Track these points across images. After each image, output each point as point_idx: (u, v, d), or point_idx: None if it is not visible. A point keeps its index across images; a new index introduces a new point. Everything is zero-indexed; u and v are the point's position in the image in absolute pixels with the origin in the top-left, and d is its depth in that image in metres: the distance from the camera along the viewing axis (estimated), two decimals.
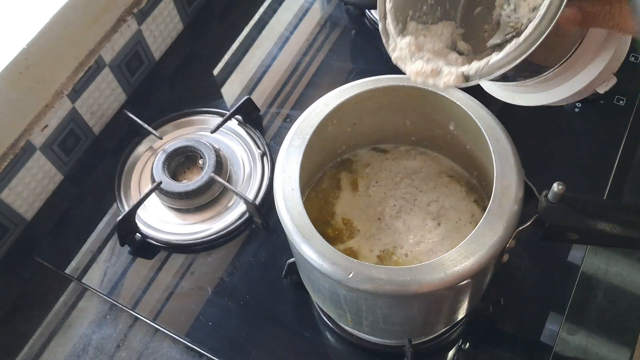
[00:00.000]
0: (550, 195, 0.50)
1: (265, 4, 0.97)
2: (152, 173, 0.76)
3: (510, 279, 0.68)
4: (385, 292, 0.49)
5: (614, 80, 0.51)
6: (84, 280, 0.74)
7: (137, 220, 0.75)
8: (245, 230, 0.75)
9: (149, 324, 0.70)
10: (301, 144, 0.56)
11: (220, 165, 0.77)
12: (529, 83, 0.51)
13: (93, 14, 0.78)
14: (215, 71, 0.91)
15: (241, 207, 0.76)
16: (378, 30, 0.49)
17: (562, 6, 0.39)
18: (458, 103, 0.56)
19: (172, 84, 0.91)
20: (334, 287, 0.52)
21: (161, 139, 0.82)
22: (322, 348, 0.68)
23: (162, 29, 0.90)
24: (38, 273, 0.75)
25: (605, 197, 0.71)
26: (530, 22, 0.40)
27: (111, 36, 0.81)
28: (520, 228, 0.51)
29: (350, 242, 0.61)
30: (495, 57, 0.42)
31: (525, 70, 0.49)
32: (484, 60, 0.43)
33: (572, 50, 0.48)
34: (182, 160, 0.80)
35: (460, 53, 0.51)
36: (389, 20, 0.49)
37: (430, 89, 0.56)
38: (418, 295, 0.49)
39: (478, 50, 0.52)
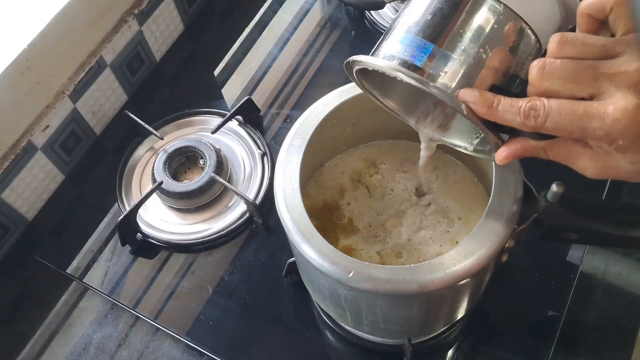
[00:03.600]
0: (549, 195, 0.50)
1: (266, 5, 0.97)
2: (153, 173, 0.77)
3: (509, 278, 0.68)
4: (385, 292, 0.49)
5: None
6: (85, 280, 0.74)
7: (138, 220, 0.76)
8: (246, 230, 0.76)
9: (150, 323, 0.70)
10: (301, 144, 0.57)
11: (221, 166, 0.77)
12: None
13: (94, 15, 0.78)
14: (216, 72, 0.91)
15: (241, 207, 0.77)
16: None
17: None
18: None
19: (173, 84, 0.91)
20: (334, 287, 0.52)
21: (162, 139, 0.82)
22: (322, 347, 0.69)
23: (163, 30, 0.90)
24: (39, 273, 0.75)
25: (604, 197, 0.72)
26: None
27: (112, 37, 0.81)
28: (520, 228, 0.52)
29: (351, 240, 0.61)
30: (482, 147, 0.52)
31: None
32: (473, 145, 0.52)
33: None
34: (182, 161, 0.80)
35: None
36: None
37: None
38: (418, 294, 0.49)
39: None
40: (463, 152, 0.53)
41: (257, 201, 0.76)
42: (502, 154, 0.45)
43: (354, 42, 0.91)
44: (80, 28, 0.77)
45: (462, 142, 0.53)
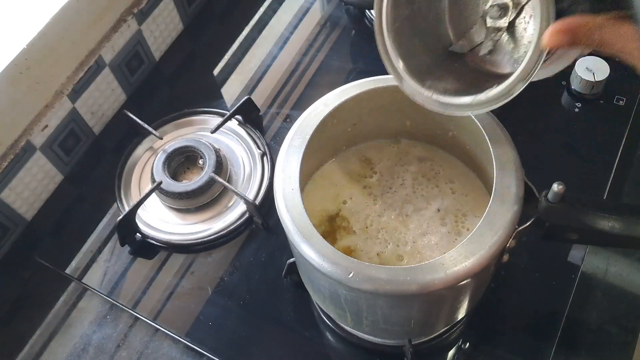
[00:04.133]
0: (550, 195, 0.50)
1: (265, 4, 0.97)
2: (152, 173, 0.77)
3: (510, 279, 0.68)
4: (385, 292, 0.49)
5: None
6: (84, 280, 0.74)
7: (137, 220, 0.75)
8: (245, 230, 0.75)
9: (149, 323, 0.70)
10: (301, 144, 0.56)
11: (221, 165, 0.77)
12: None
13: (93, 14, 0.78)
14: (216, 71, 0.91)
15: (241, 207, 0.76)
16: None
17: (545, 53, 0.44)
18: None
19: (172, 84, 0.91)
20: (334, 287, 0.52)
21: (161, 139, 0.82)
22: (322, 348, 0.68)
23: (163, 29, 0.90)
24: (38, 273, 0.75)
25: (605, 197, 0.72)
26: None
27: (111, 36, 0.81)
28: (521, 228, 0.52)
29: (350, 241, 0.61)
30: (494, 90, 0.48)
31: None
32: (484, 94, 0.49)
33: None
34: (182, 160, 0.80)
35: (454, 53, 0.55)
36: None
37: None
38: (418, 295, 0.49)
39: (472, 45, 0.55)
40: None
41: (257, 201, 0.76)
42: (554, 27, 0.42)
43: (354, 42, 0.91)
44: (79, 28, 0.77)
45: (471, 96, 0.50)
